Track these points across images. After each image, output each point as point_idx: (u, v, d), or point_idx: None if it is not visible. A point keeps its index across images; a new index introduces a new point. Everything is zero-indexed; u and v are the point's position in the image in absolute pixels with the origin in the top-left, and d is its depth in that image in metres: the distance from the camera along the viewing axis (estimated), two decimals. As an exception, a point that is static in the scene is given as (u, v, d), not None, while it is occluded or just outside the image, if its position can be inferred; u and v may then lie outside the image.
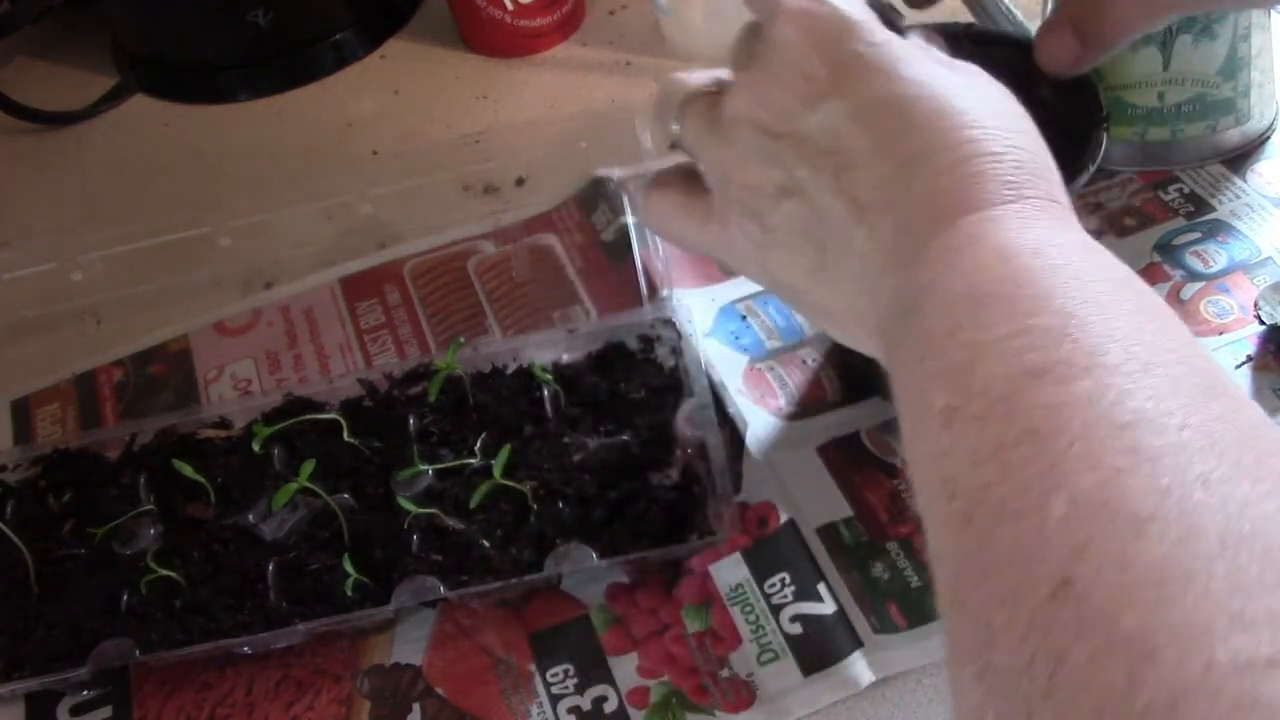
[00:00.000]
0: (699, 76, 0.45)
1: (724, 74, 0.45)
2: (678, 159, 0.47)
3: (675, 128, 0.45)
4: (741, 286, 0.63)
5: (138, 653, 0.50)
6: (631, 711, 0.49)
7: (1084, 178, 0.50)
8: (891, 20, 0.42)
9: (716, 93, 0.44)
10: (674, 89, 0.45)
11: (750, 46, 0.42)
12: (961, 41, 0.54)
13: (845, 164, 0.38)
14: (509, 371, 0.60)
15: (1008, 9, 0.63)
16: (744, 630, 0.50)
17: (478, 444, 0.55)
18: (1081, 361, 0.29)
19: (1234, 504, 0.25)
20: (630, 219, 0.67)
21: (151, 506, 0.56)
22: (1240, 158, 0.65)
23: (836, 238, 0.39)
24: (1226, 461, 0.26)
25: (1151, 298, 0.33)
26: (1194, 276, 0.60)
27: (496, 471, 0.52)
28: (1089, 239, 0.35)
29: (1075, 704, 0.24)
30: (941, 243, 0.35)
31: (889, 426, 0.56)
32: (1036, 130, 0.38)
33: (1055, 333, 0.30)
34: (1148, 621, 0.24)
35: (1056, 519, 0.26)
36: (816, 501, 0.53)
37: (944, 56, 0.40)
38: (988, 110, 0.37)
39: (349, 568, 0.51)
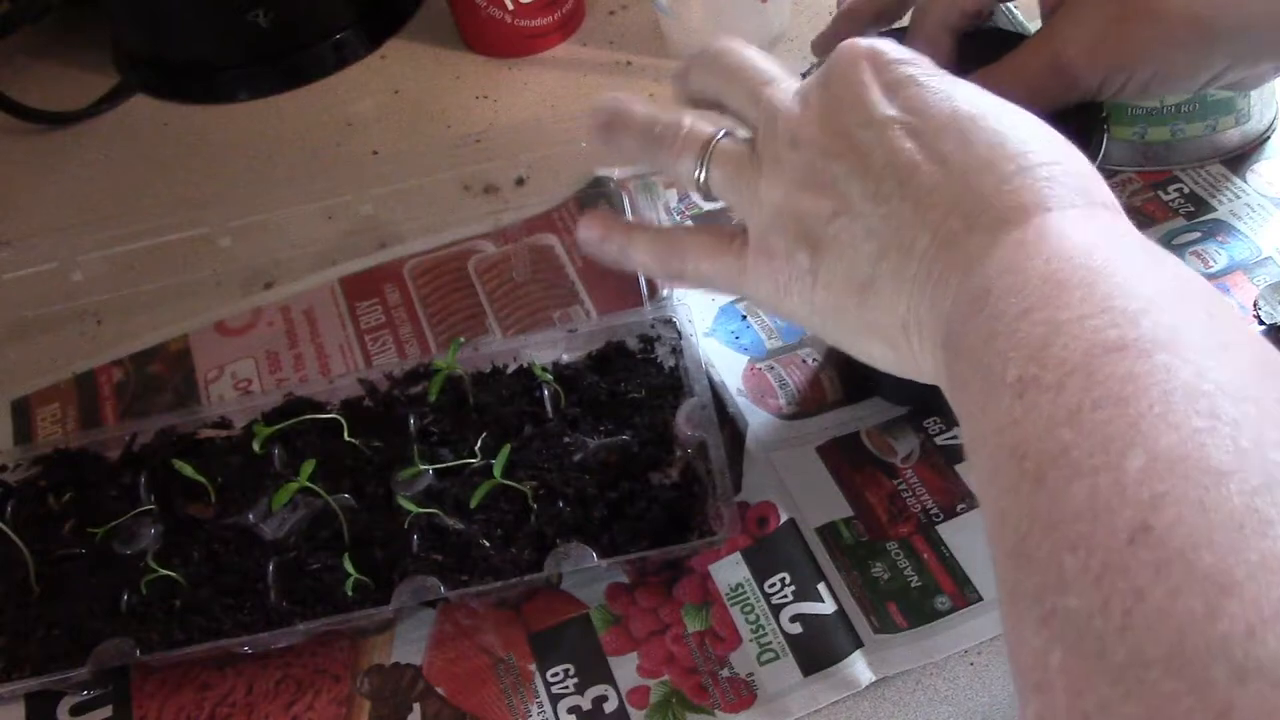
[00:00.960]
0: (703, 125, 0.46)
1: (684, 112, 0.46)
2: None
3: (700, 173, 0.45)
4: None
5: (138, 653, 0.50)
6: (631, 711, 0.49)
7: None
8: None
9: (738, 135, 0.45)
10: (688, 138, 0.45)
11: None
12: (964, 40, 0.54)
13: (907, 173, 0.39)
14: (509, 371, 0.60)
15: (1008, 9, 0.63)
16: (744, 630, 0.50)
17: (478, 444, 0.55)
18: (1162, 338, 0.30)
19: None
20: (630, 219, 0.67)
21: (151, 506, 0.56)
22: (1240, 158, 0.65)
23: (896, 245, 0.39)
24: None
25: (1218, 293, 0.34)
26: (1194, 276, 0.60)
27: (496, 471, 0.52)
28: (1151, 242, 0.36)
29: (1153, 636, 0.25)
30: (1015, 236, 0.36)
31: (889, 426, 0.56)
32: (1061, 141, 0.40)
33: (1133, 314, 0.31)
34: (1227, 559, 0.25)
35: (1135, 470, 0.27)
36: (816, 501, 0.53)
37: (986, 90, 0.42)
38: (1043, 133, 0.39)
39: (349, 568, 0.51)
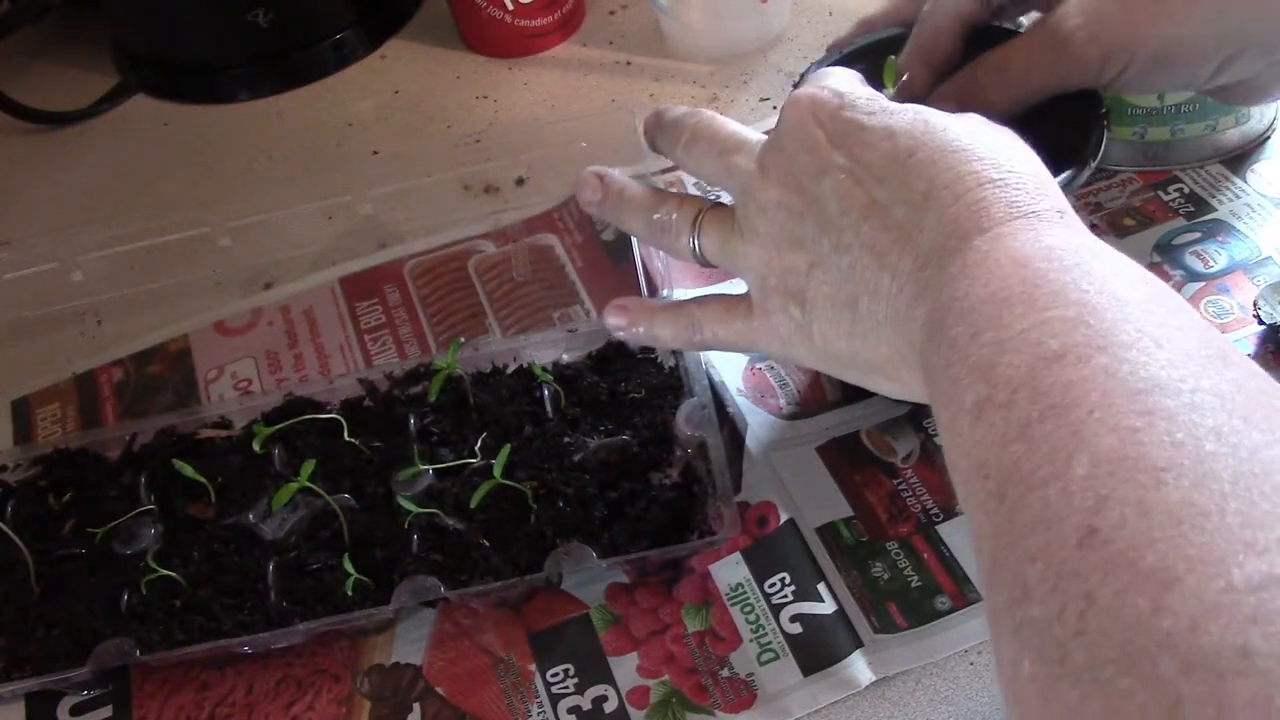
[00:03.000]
0: (691, 203, 0.49)
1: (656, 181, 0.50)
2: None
3: (694, 245, 0.48)
4: (741, 286, 0.63)
5: (138, 653, 0.50)
6: (631, 711, 0.49)
7: (1085, 174, 0.50)
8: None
9: (716, 202, 0.48)
10: (678, 213, 0.49)
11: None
12: (972, 37, 0.54)
13: (860, 219, 0.41)
14: (509, 371, 0.60)
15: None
16: (744, 630, 0.50)
17: (478, 444, 0.55)
18: (1097, 341, 0.31)
19: (1244, 450, 0.27)
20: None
21: (151, 506, 0.56)
22: (1240, 158, 0.65)
23: (865, 290, 0.41)
24: (1237, 416, 0.28)
25: (1161, 286, 0.34)
26: (1194, 276, 0.60)
27: (496, 471, 0.52)
28: (1097, 240, 0.37)
29: (1105, 637, 0.25)
30: (958, 263, 0.37)
31: (889, 426, 0.56)
32: (1033, 154, 0.41)
33: (1071, 321, 0.32)
34: (1168, 555, 0.26)
35: (1080, 478, 0.28)
36: (816, 501, 0.53)
37: (928, 112, 0.43)
38: (984, 145, 0.40)
39: (349, 568, 0.51)
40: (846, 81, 0.44)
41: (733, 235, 0.46)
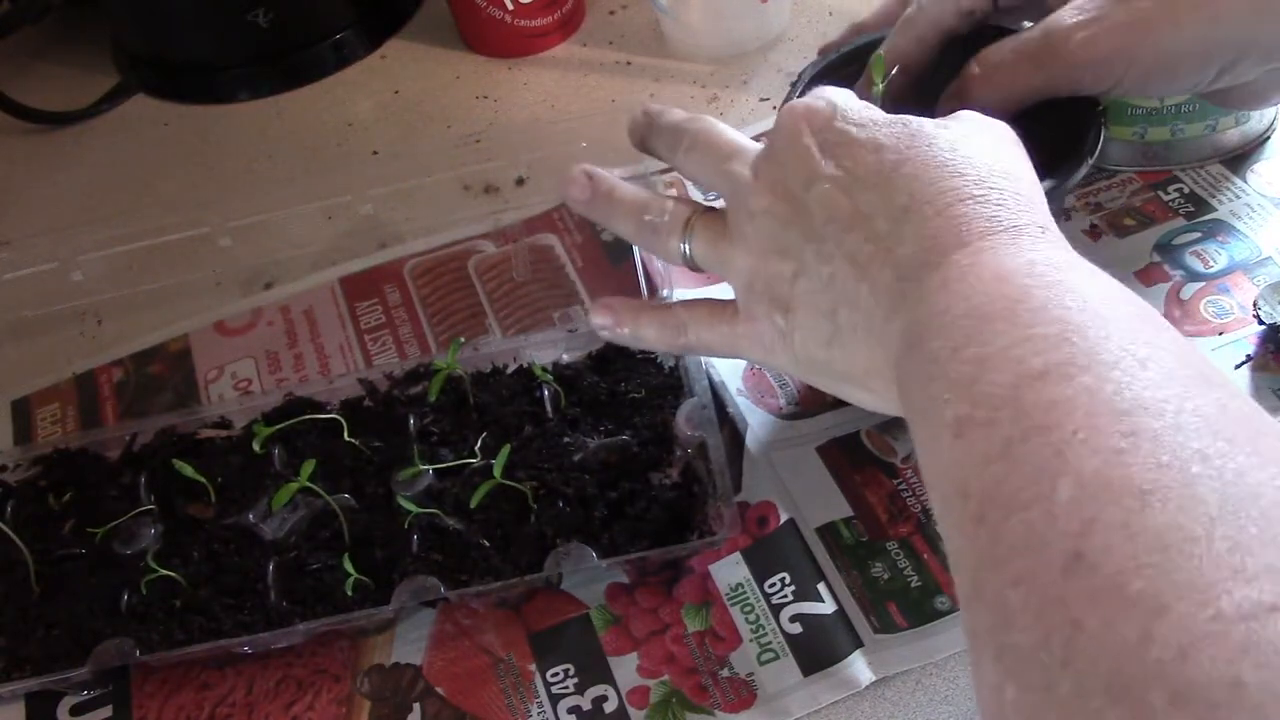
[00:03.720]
0: (683, 206, 0.48)
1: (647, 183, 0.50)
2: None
3: (684, 248, 0.48)
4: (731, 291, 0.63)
5: (138, 653, 0.50)
6: (631, 711, 0.49)
7: (1081, 171, 0.49)
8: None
9: (708, 207, 0.48)
10: (669, 215, 0.48)
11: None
12: (964, 40, 0.54)
13: (843, 230, 0.41)
14: (509, 371, 0.60)
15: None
16: (744, 630, 0.50)
17: (478, 444, 0.55)
18: (1080, 360, 0.30)
19: (1230, 473, 0.27)
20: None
21: (151, 506, 0.56)
22: (1240, 158, 0.65)
23: (844, 301, 0.41)
24: (1222, 439, 0.28)
25: (1143, 305, 0.34)
26: (1194, 276, 0.60)
27: (496, 471, 0.52)
28: (1078, 257, 0.36)
29: (1094, 666, 0.25)
30: (938, 278, 0.37)
31: (889, 426, 0.56)
32: (1024, 159, 0.42)
33: (1054, 338, 0.31)
34: (1156, 582, 0.25)
35: (1065, 501, 0.28)
36: (816, 501, 0.53)
37: (917, 122, 0.42)
38: (969, 157, 0.40)
39: (349, 568, 0.51)
40: (842, 95, 0.44)
41: (722, 240, 0.46)
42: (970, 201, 0.38)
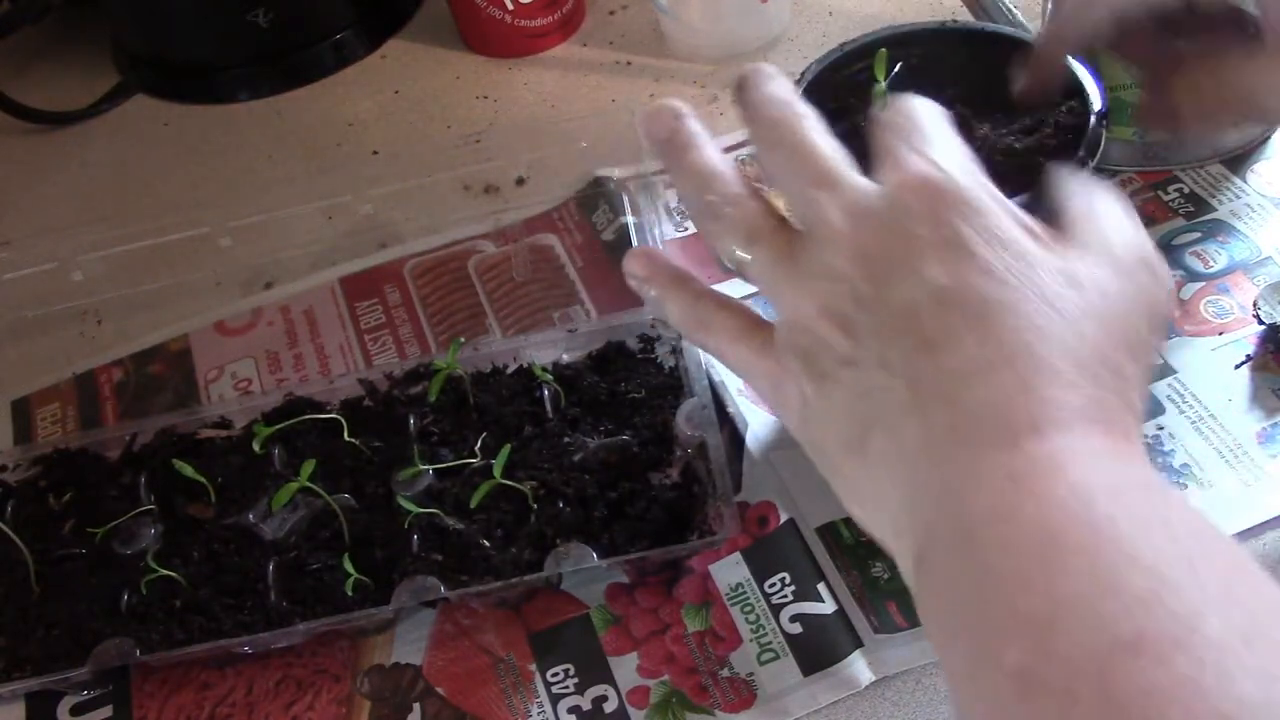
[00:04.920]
0: (754, 207, 0.42)
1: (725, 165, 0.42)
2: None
3: (738, 252, 0.42)
4: (740, 287, 0.62)
5: (138, 653, 0.50)
6: (631, 711, 0.49)
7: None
8: None
9: (788, 224, 0.41)
10: (737, 217, 0.42)
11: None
12: (966, 39, 0.54)
13: (918, 349, 0.36)
14: (509, 371, 0.60)
15: (1008, 9, 0.63)
16: (744, 630, 0.50)
17: (478, 444, 0.55)
18: (1176, 633, 0.27)
19: None
20: (630, 219, 0.67)
21: (151, 506, 0.56)
22: (1240, 158, 0.65)
23: (886, 421, 0.36)
24: None
25: (1230, 545, 0.31)
26: (1194, 276, 0.60)
27: (496, 471, 0.52)
28: (1156, 475, 0.33)
29: None
30: (1004, 463, 0.33)
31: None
32: (1139, 321, 0.36)
33: (1145, 597, 0.28)
34: None
35: None
36: (816, 501, 0.53)
37: (1043, 232, 0.37)
38: (1079, 322, 0.35)
39: (349, 568, 0.51)
40: (979, 185, 0.38)
41: (783, 266, 0.40)
42: (1064, 386, 0.34)
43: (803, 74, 0.56)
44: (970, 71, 0.54)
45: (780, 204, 0.43)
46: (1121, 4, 0.48)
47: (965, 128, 0.51)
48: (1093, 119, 0.51)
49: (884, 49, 0.53)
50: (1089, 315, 0.35)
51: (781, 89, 0.42)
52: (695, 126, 0.43)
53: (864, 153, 0.42)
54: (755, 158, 0.43)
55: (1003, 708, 0.29)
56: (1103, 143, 0.50)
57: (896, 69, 0.53)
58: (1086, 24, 0.49)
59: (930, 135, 0.39)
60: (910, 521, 0.35)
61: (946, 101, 0.54)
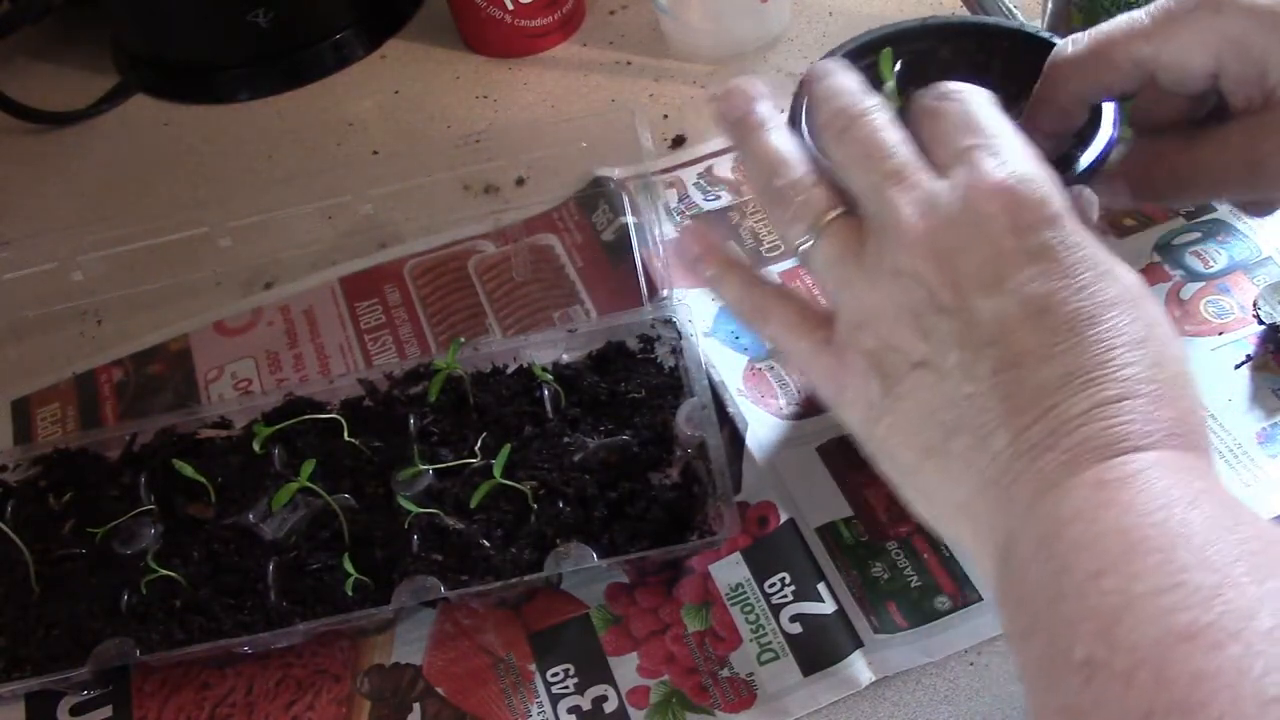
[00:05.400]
0: (823, 195, 0.41)
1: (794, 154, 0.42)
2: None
3: (805, 243, 0.41)
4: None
5: (138, 653, 0.50)
6: (631, 711, 0.49)
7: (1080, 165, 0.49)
8: None
9: (857, 216, 0.41)
10: (805, 204, 0.41)
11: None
12: (966, 37, 0.54)
13: (1009, 360, 0.36)
14: (509, 371, 0.60)
15: (1008, 8, 0.63)
16: (744, 630, 0.50)
17: (478, 444, 0.55)
18: (1232, 626, 0.28)
19: None
20: (630, 219, 0.67)
21: (151, 506, 0.56)
22: (1240, 158, 0.65)
23: (974, 429, 0.36)
24: None
25: None
26: (1194, 276, 0.60)
27: (497, 471, 0.52)
28: (1227, 489, 0.34)
29: None
30: (1093, 475, 0.33)
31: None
32: (1189, 371, 0.37)
33: (1207, 592, 0.29)
34: None
35: None
36: (816, 501, 0.53)
37: (1122, 270, 0.38)
38: (1155, 350, 0.36)
39: (349, 568, 0.51)
40: (1060, 193, 0.38)
41: (852, 261, 0.40)
42: (1152, 401, 0.34)
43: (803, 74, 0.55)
44: (968, 67, 0.54)
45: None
46: (1131, 71, 0.46)
47: None
48: (1100, 119, 0.50)
49: (887, 49, 0.52)
50: (1156, 326, 0.36)
51: (850, 80, 0.42)
52: (768, 109, 0.43)
53: None
54: (821, 146, 0.43)
55: (1071, 697, 0.30)
56: (1110, 143, 0.50)
57: (899, 64, 0.53)
58: (1098, 79, 0.47)
59: (996, 133, 0.39)
60: (994, 523, 0.36)
61: None
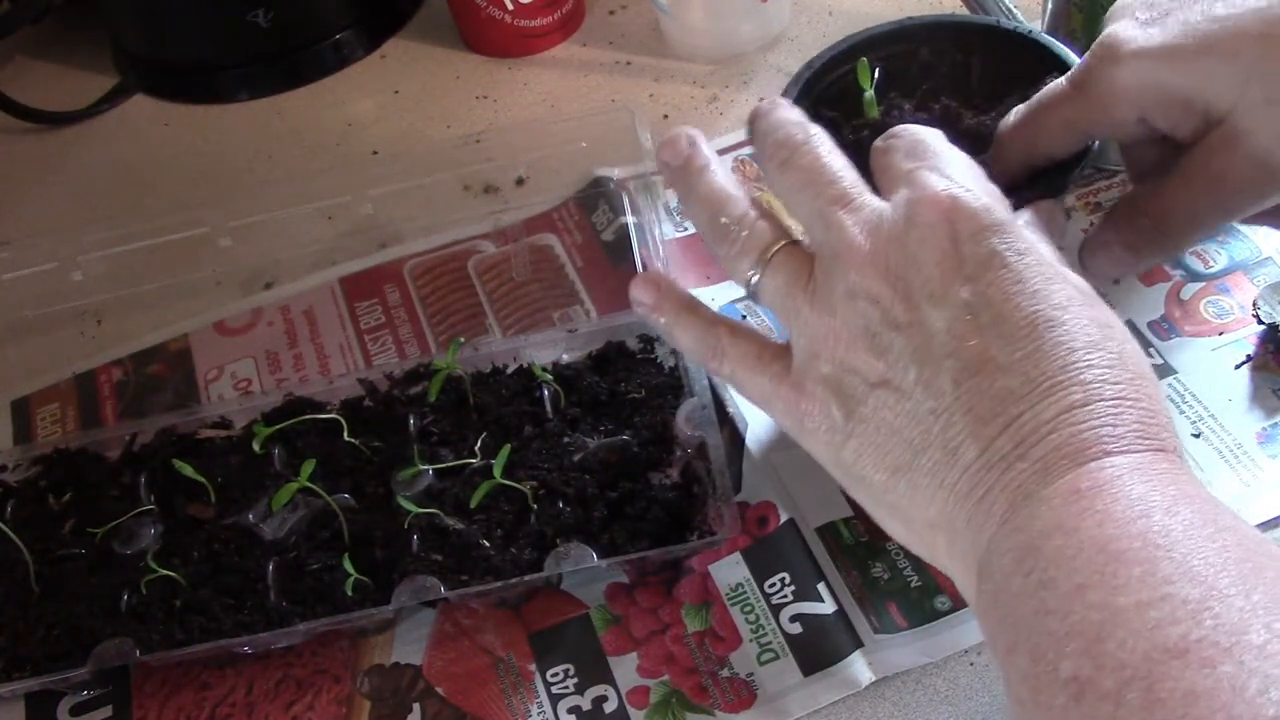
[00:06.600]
0: (767, 229, 0.42)
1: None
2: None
3: (753, 276, 0.42)
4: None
5: (138, 653, 0.50)
6: (631, 711, 0.49)
7: (1080, 167, 0.49)
8: None
9: (802, 246, 0.42)
10: (750, 240, 0.42)
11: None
12: (944, 36, 0.54)
13: (969, 370, 0.36)
14: (509, 371, 0.60)
15: (1008, 8, 0.63)
16: (744, 630, 0.50)
17: (478, 444, 0.55)
18: (1223, 641, 0.28)
19: None
20: (630, 219, 0.67)
21: (151, 506, 0.56)
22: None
23: (939, 444, 0.36)
24: None
25: (1273, 550, 0.31)
26: (1194, 276, 0.60)
27: (496, 471, 0.52)
28: (1207, 491, 0.34)
29: None
30: (1067, 483, 0.33)
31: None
32: (1149, 369, 0.37)
33: (1194, 606, 0.29)
34: None
35: None
36: (816, 501, 0.53)
37: (1071, 275, 0.38)
38: (1114, 350, 0.36)
39: (349, 568, 0.51)
40: (1000, 203, 0.38)
41: (800, 290, 0.40)
42: (1120, 404, 0.34)
43: (798, 75, 0.55)
44: (948, 67, 0.54)
45: (792, 224, 0.43)
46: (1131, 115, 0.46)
47: (954, 119, 0.51)
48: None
49: (863, 59, 0.52)
50: (1113, 330, 0.36)
51: (791, 112, 0.43)
52: (709, 152, 0.44)
53: (861, 166, 0.42)
54: (765, 179, 0.43)
55: (1057, 716, 0.29)
56: (1101, 143, 0.50)
57: (877, 69, 0.53)
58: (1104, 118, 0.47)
59: (941, 153, 0.40)
60: (971, 538, 0.35)
61: (932, 92, 0.54)
